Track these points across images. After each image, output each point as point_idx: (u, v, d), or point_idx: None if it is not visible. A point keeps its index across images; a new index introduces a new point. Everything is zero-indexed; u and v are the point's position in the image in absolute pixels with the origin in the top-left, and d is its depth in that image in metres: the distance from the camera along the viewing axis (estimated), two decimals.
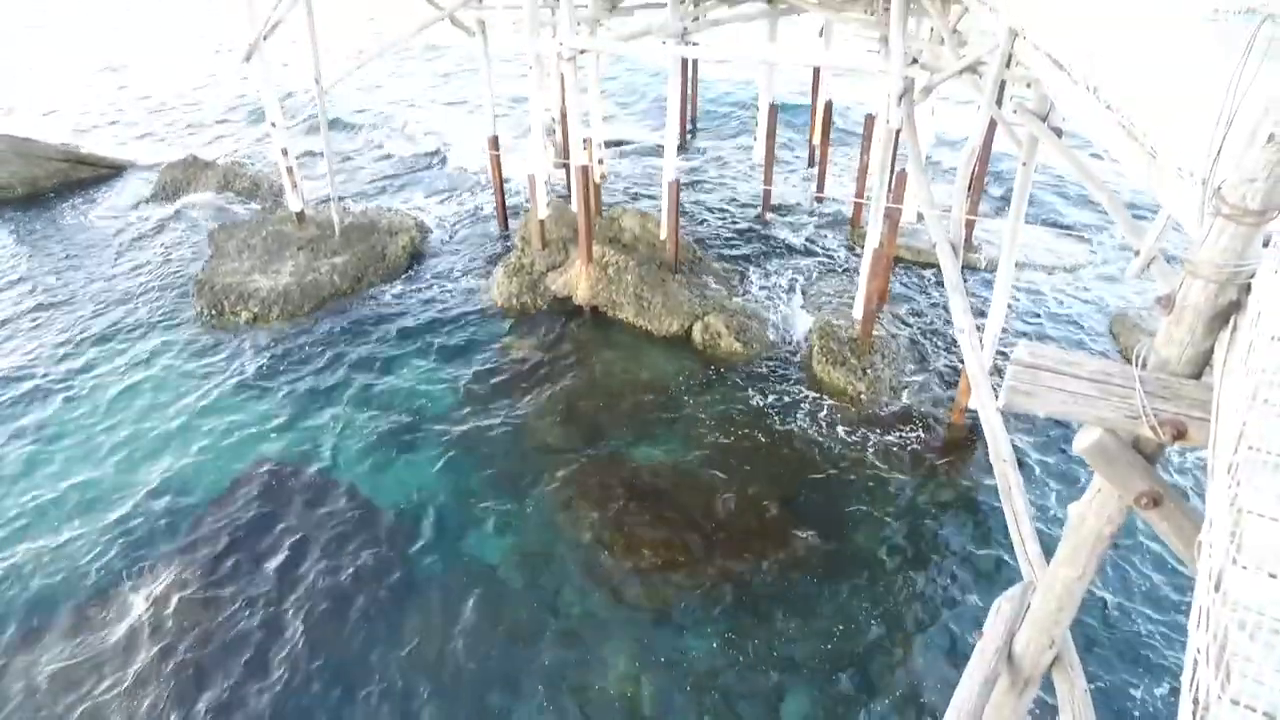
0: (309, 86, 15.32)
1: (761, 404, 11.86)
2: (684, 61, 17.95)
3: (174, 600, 8.87)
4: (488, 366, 12.90)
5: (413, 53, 31.72)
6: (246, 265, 15.20)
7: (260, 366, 12.87)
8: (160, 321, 14.14)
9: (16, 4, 47.67)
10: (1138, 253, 4.06)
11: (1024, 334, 13.25)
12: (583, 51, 13.20)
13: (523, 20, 13.53)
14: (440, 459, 10.90)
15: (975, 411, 10.35)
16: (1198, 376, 3.13)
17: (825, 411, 11.65)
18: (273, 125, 14.94)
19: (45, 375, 12.75)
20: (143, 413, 11.88)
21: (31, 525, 9.92)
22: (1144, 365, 3.16)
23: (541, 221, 15.09)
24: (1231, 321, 2.94)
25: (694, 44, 13.45)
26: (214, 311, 14.21)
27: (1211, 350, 3.03)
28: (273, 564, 9.34)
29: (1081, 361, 3.31)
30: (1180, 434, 2.95)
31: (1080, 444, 3.25)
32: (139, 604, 8.85)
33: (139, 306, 14.60)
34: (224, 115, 26.04)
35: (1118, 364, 3.25)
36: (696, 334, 13.29)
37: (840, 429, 11.31)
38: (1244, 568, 1.66)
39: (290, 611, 8.76)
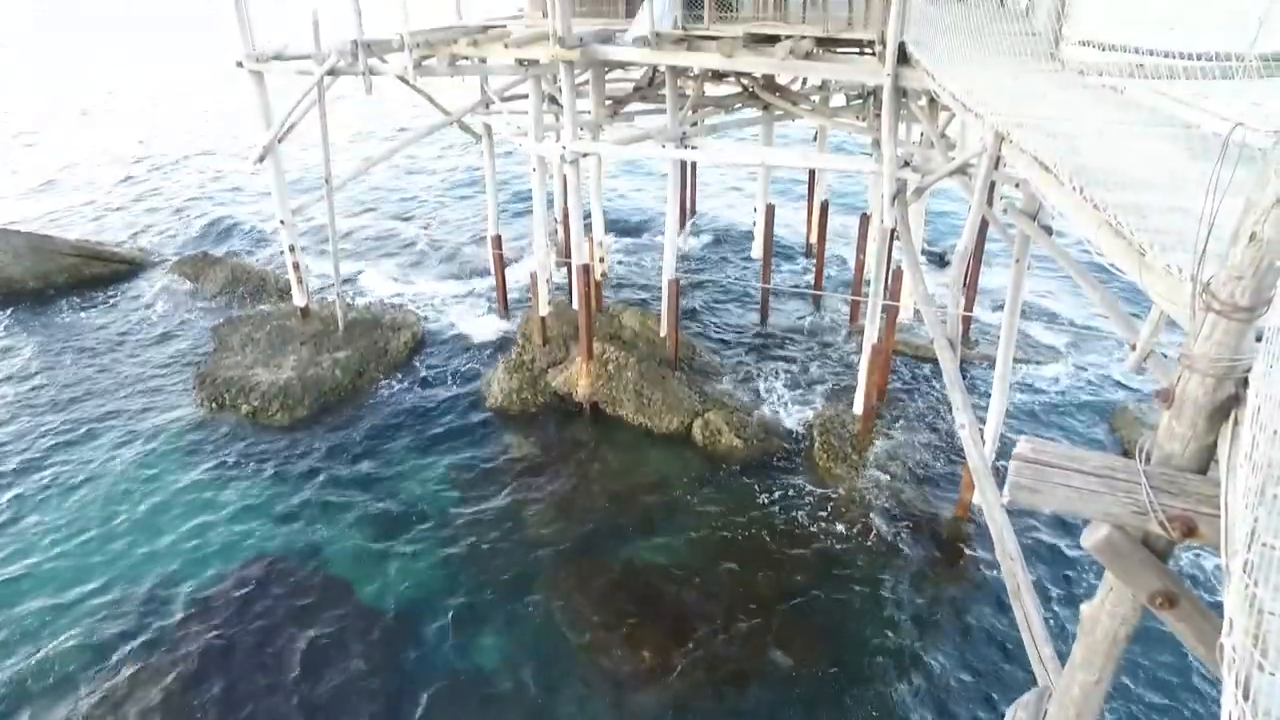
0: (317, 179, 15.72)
1: (763, 501, 11.72)
2: (683, 163, 18.58)
3: (153, 696, 8.55)
4: (486, 465, 12.81)
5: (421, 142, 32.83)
6: (249, 359, 15.31)
7: (257, 461, 12.77)
8: (160, 415, 14.12)
9: (33, 96, 49.65)
10: (1133, 347, 4.09)
11: (1025, 428, 13.21)
12: (585, 155, 13.66)
13: (527, 125, 14.09)
14: (437, 558, 10.69)
15: (979, 507, 10.22)
16: (1203, 471, 3.10)
17: (827, 508, 11.49)
18: (281, 223, 15.33)
19: (37, 464, 12.67)
20: (135, 505, 11.73)
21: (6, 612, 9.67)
22: (1148, 459, 3.13)
23: (543, 318, 15.28)
24: (1232, 416, 2.93)
25: (692, 148, 13.95)
26: (214, 404, 14.23)
27: (1215, 445, 3.01)
28: (259, 665, 9.02)
29: (1085, 456, 3.28)
30: (1190, 530, 2.90)
31: (1089, 540, 3.19)
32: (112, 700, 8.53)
33: (139, 398, 14.63)
34: (236, 212, 26.76)
35: (1122, 459, 3.22)
36: (697, 431, 13.24)
37: (842, 525, 11.13)
38: (1271, 674, 1.59)
39: (277, 716, 8.40)
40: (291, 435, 13.49)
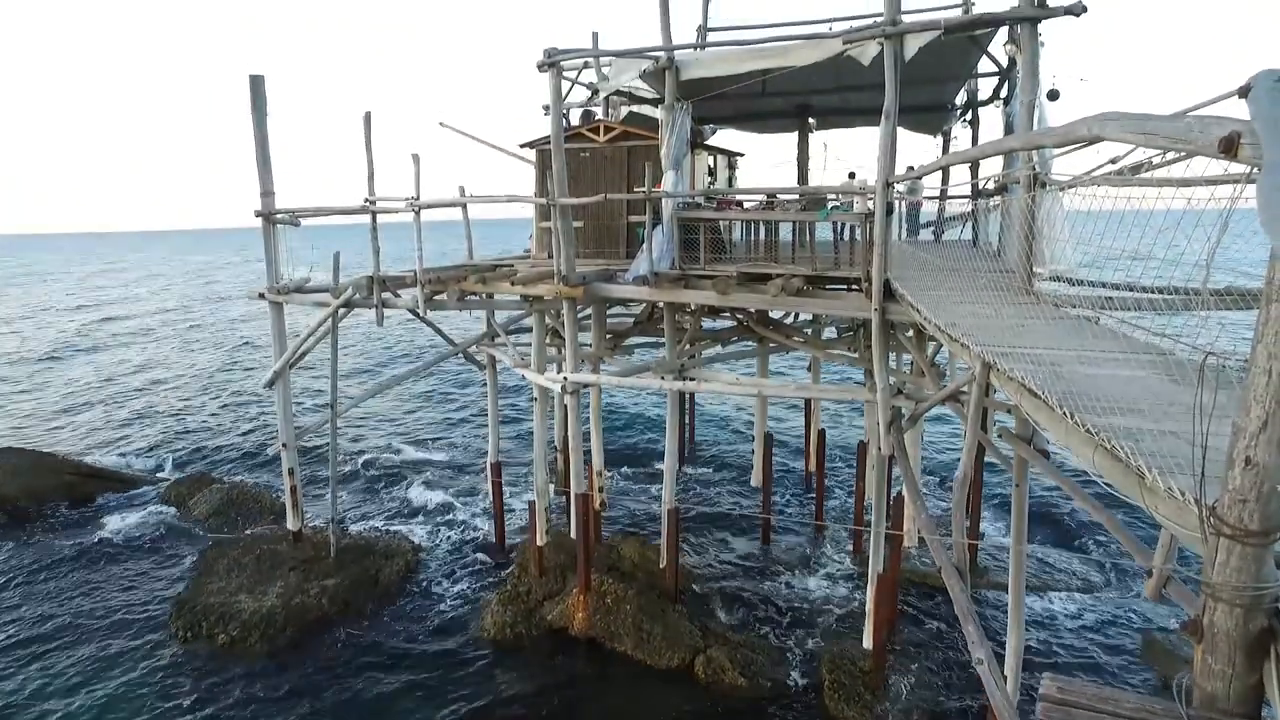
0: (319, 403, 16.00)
1: None
2: (682, 393, 19.05)
3: None
4: (477, 703, 11.89)
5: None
6: (234, 584, 14.71)
7: (228, 697, 11.86)
8: (132, 642, 13.39)
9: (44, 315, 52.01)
10: (1150, 573, 3.93)
11: (1047, 663, 12.38)
12: (585, 386, 14.03)
13: (530, 356, 14.63)
14: None
15: None
16: (1255, 716, 2.84)
17: None
18: (284, 446, 15.42)
19: None
20: None
21: None
22: (1189, 701, 2.88)
23: (540, 549, 14.91)
24: (1272, 651, 2.74)
25: (691, 379, 14.36)
26: (190, 633, 13.50)
27: (1261, 683, 2.78)
28: None
29: (1119, 697, 3.03)
30: None
31: None
32: None
33: (112, 629, 13.89)
34: (238, 433, 27.03)
35: (1160, 701, 2.97)
36: (699, 668, 12.40)
37: None
38: None
39: None
40: (269, 669, 12.64)
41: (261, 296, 14.89)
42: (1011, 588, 8.95)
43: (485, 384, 17.47)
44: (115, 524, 18.60)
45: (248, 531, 17.79)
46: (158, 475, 22.36)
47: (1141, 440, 3.51)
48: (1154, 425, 3.73)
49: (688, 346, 15.30)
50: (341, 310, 14.02)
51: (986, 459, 15.22)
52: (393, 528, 18.43)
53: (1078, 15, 9.19)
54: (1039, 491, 18.36)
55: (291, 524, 16.00)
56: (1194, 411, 2.93)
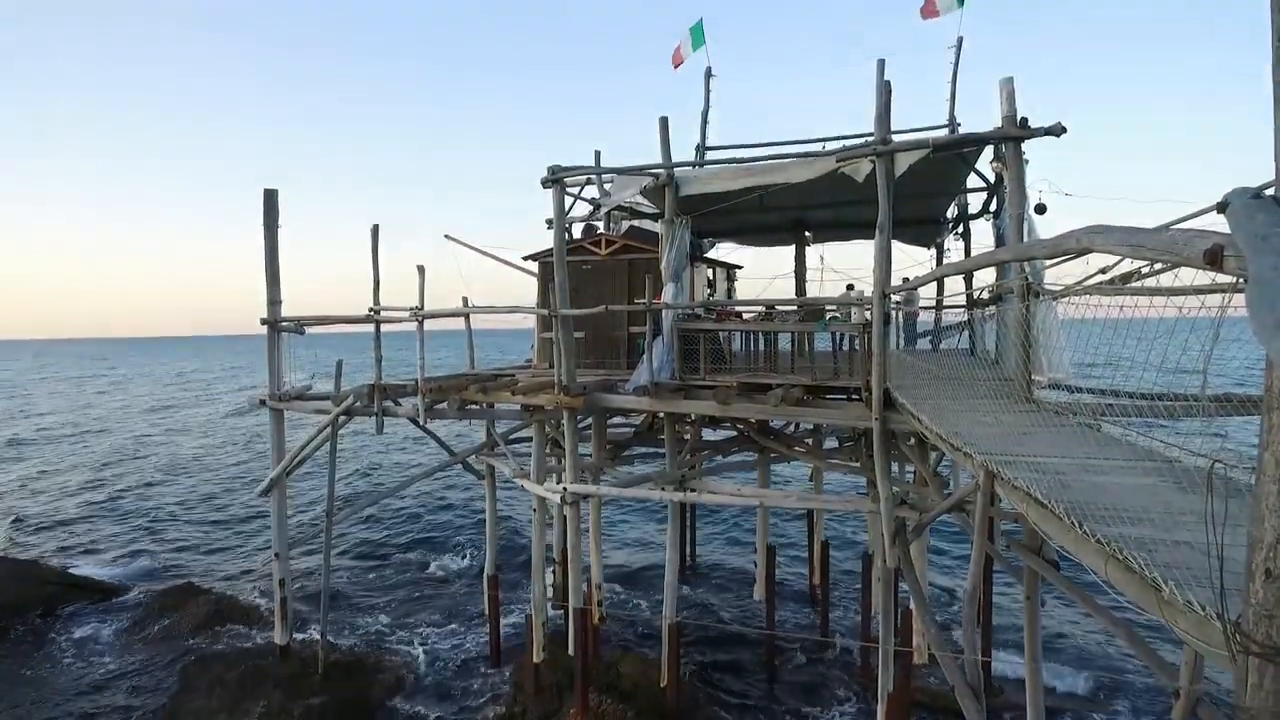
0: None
1: None
2: (683, 504, 18.74)
3: None
4: None
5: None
6: (215, 704, 14.01)
7: None
8: None
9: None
10: (1177, 694, 3.74)
11: None
12: (585, 497, 13.83)
13: (530, 467, 14.48)
14: None
15: None
16: None
17: None
18: (276, 555, 15.08)
19: None
20: None
21: None
22: None
23: (536, 665, 14.33)
24: None
25: (691, 490, 14.17)
26: None
27: None
28: None
29: None
30: None
31: None
32: None
33: None
34: (229, 540, 26.45)
35: None
36: None
37: None
38: None
39: None
40: None
41: (263, 403, 14.93)
42: (1030, 710, 8.54)
43: (485, 494, 17.23)
44: (95, 637, 17.96)
45: (233, 644, 17.15)
46: (142, 584, 21.72)
47: (1155, 551, 3.42)
48: (1166, 535, 3.65)
49: (688, 457, 15.18)
50: (341, 418, 14.01)
51: (996, 570, 14.82)
52: (385, 640, 17.80)
53: (1058, 135, 9.62)
54: (1053, 604, 17.80)
55: (279, 638, 15.44)
56: (1206, 521, 2.87)
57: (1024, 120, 9.75)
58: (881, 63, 10.39)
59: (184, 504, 33.02)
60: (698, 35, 17.96)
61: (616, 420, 17.53)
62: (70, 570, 21.74)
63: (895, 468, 13.39)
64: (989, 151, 11.67)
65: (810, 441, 16.93)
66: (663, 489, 13.67)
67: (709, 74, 18.02)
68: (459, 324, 15.59)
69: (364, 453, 43.80)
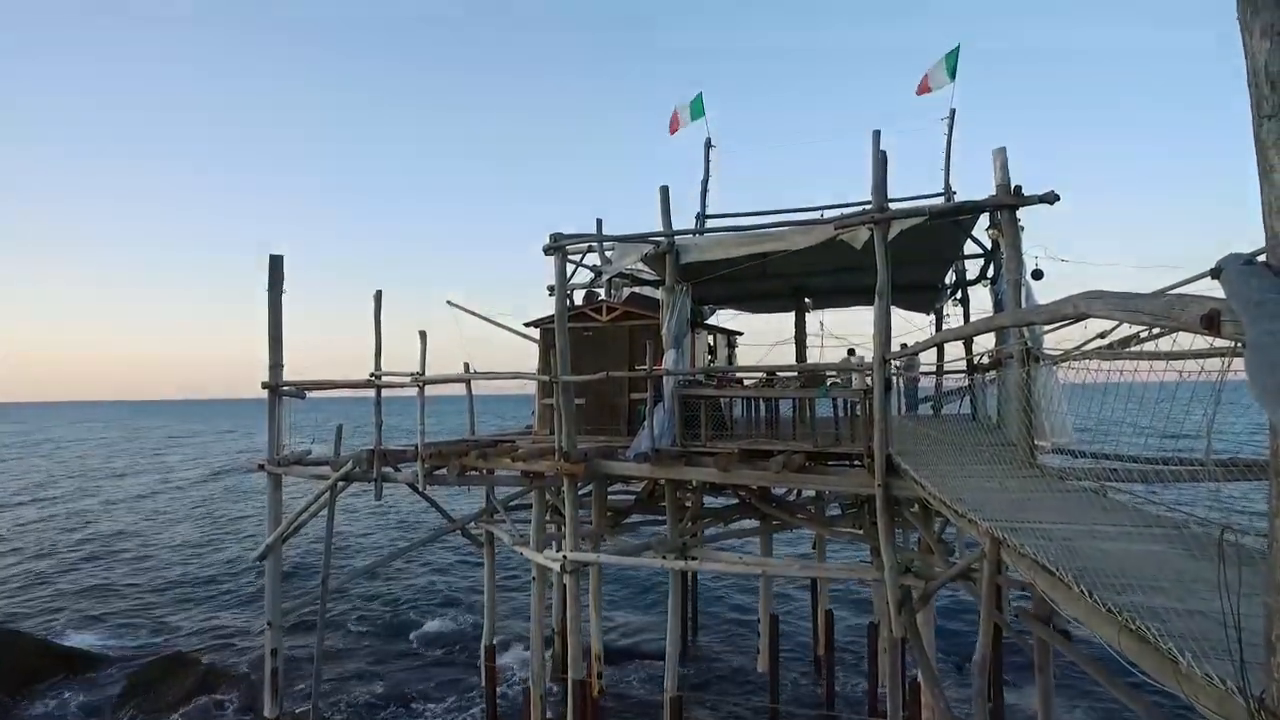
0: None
1: None
2: (684, 573, 18.43)
3: None
4: None
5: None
6: None
7: None
8: None
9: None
10: None
11: None
12: (585, 565, 13.61)
13: (529, 534, 14.28)
14: None
15: None
16: None
17: None
18: (269, 624, 14.73)
19: None
20: None
21: None
22: None
23: None
24: None
25: (693, 558, 13.95)
26: None
27: None
28: None
29: None
30: None
31: None
32: None
33: None
34: (221, 609, 25.89)
35: None
36: None
37: None
38: None
39: None
40: None
41: (261, 468, 14.82)
42: None
43: (484, 562, 16.97)
44: (79, 714, 17.42)
45: (225, 714, 16.64)
46: (128, 654, 21.17)
47: (1169, 621, 3.34)
48: (1179, 604, 3.57)
49: (690, 524, 14.99)
50: (340, 483, 13.89)
51: (1006, 639, 14.47)
52: (379, 713, 17.28)
53: (1052, 203, 9.78)
54: (1066, 676, 17.31)
55: (269, 710, 14.95)
56: (1219, 590, 2.81)
57: (1018, 188, 9.93)
58: (877, 133, 10.66)
59: (174, 569, 32.49)
60: (697, 108, 18.48)
61: (617, 487, 17.36)
62: (52, 640, 21.19)
63: (899, 535, 13.19)
64: (985, 218, 11.87)
65: (813, 509, 16.73)
66: (664, 557, 13.45)
67: (708, 144, 18.46)
68: (460, 389, 15.59)
69: (362, 515, 43.31)
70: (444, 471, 13.61)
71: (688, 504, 15.30)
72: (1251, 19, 3.17)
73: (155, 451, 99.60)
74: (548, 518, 15.33)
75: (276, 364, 14.60)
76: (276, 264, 14.72)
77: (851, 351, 18.04)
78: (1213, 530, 3.07)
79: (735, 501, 16.34)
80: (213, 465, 79.01)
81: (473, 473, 14.12)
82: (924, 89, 16.80)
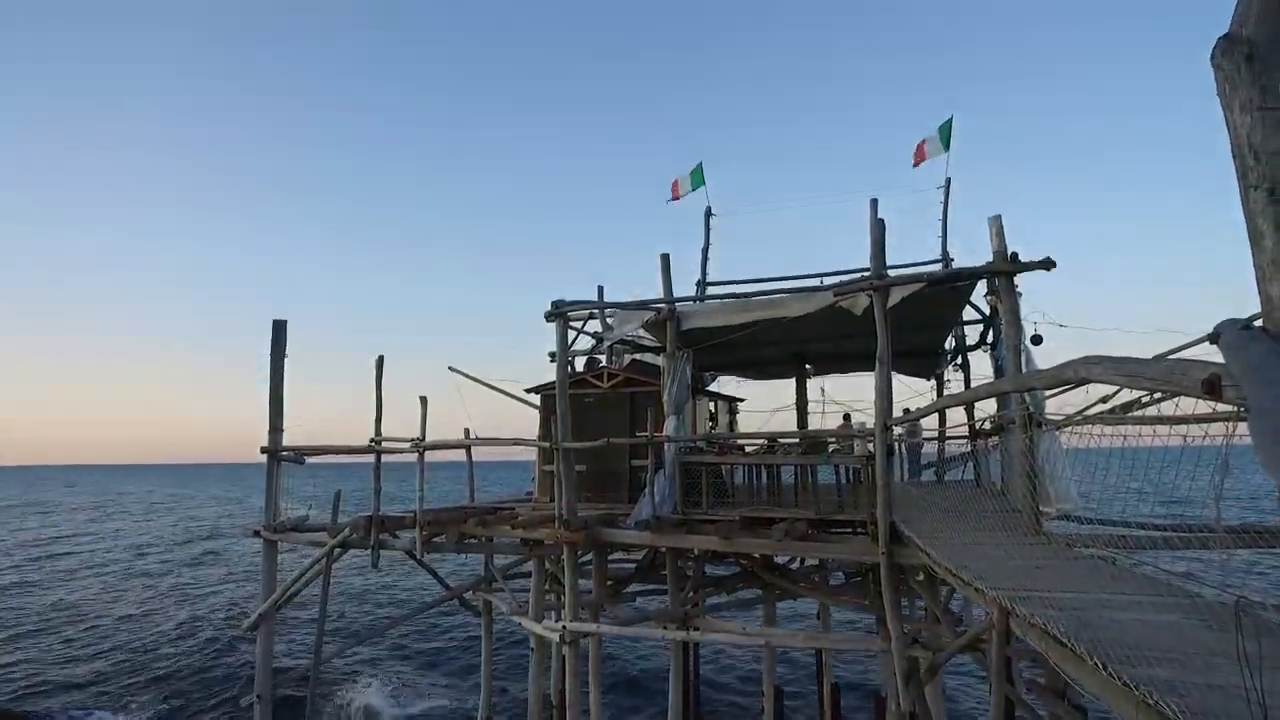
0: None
1: None
2: (685, 644, 18.00)
3: None
4: None
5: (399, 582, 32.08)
6: None
7: None
8: None
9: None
10: None
11: None
12: (585, 635, 13.31)
13: (528, 603, 14.00)
14: None
15: None
16: None
17: None
18: (257, 698, 14.29)
19: None
20: None
21: None
22: None
23: None
24: None
25: (695, 629, 13.64)
26: None
27: None
28: None
29: None
30: None
31: None
32: None
33: None
34: (208, 679, 25.14)
35: None
36: None
37: None
38: None
39: None
40: None
41: (257, 534, 14.62)
42: None
43: (481, 631, 16.59)
44: None
45: None
46: None
47: (1188, 695, 3.25)
48: (1198, 678, 3.47)
49: (691, 594, 14.70)
50: (337, 550, 13.69)
51: (1018, 715, 14.02)
52: None
53: (1048, 270, 9.89)
54: None
55: None
56: (1239, 663, 2.74)
57: (1014, 255, 10.05)
58: (874, 201, 10.86)
59: (164, 637, 31.72)
60: (697, 177, 18.88)
61: (617, 556, 17.10)
62: (28, 713, 20.56)
63: (905, 604, 12.94)
64: (983, 284, 11.99)
65: (816, 577, 16.43)
66: (665, 627, 13.16)
67: (709, 213, 18.80)
68: (460, 455, 15.51)
69: (356, 582, 42.53)
70: (442, 539, 13.43)
71: (689, 573, 15.03)
72: (1231, 95, 3.28)
73: (145, 515, 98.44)
74: (547, 587, 15.05)
75: (276, 429, 14.55)
76: (280, 330, 14.82)
77: (848, 416, 17.99)
78: (1228, 600, 3.00)
79: (737, 570, 16.06)
80: (200, 529, 77.87)
81: (471, 540, 13.93)
82: (920, 159, 17.20)
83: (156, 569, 52.24)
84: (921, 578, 10.65)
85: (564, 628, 12.59)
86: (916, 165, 17.34)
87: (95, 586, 45.42)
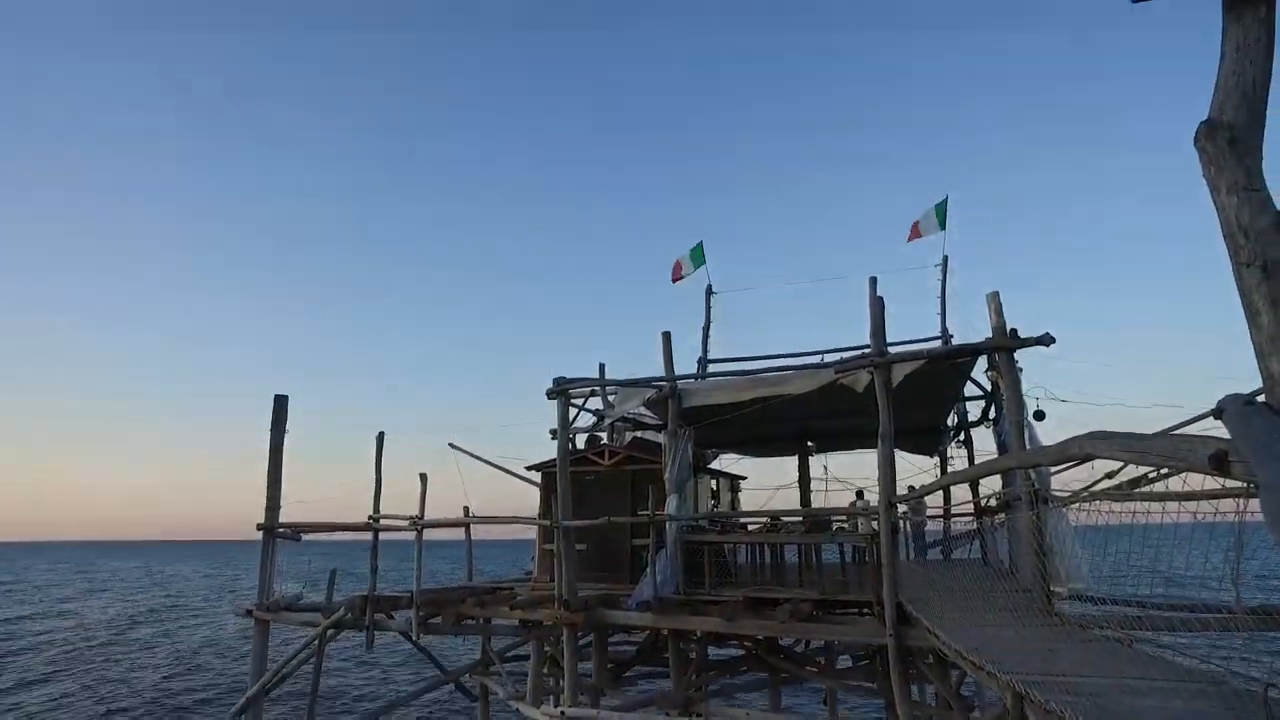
0: None
1: None
2: None
3: None
4: None
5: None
6: None
7: None
8: None
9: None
10: None
11: None
12: None
13: (526, 688, 13.56)
14: None
15: None
16: None
17: None
18: None
19: None
20: None
21: None
22: None
23: None
24: None
25: (698, 714, 13.18)
26: None
27: None
28: None
29: None
30: None
31: None
32: None
33: None
34: None
35: None
36: None
37: None
38: None
39: None
40: None
41: (249, 613, 14.26)
42: None
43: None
44: None
45: None
46: None
47: None
48: None
49: (694, 677, 14.26)
50: (330, 631, 13.34)
51: None
52: None
53: (1047, 345, 9.93)
54: None
55: None
56: None
57: (1013, 331, 10.12)
58: (874, 279, 11.02)
59: None
60: (698, 256, 19.19)
61: (618, 637, 16.65)
62: None
63: (915, 688, 12.52)
64: (984, 360, 12.03)
65: (823, 660, 15.98)
66: (667, 713, 12.71)
67: (709, 291, 19.03)
68: (458, 533, 15.30)
69: (349, 664, 41.23)
70: (439, 620, 13.12)
71: (692, 655, 14.61)
72: (1217, 177, 3.37)
73: (123, 592, 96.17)
74: (546, 669, 14.61)
75: (274, 506, 14.39)
76: (281, 405, 14.82)
77: (860, 494, 17.79)
78: (1254, 686, 2.90)
79: (741, 653, 15.62)
80: (188, 606, 75.89)
81: (469, 621, 13.60)
82: (914, 235, 17.52)
83: (146, 654, 50.84)
84: (931, 660, 10.34)
85: (563, 713, 12.16)
86: (910, 240, 17.66)
87: (98, 671, 44.24)
